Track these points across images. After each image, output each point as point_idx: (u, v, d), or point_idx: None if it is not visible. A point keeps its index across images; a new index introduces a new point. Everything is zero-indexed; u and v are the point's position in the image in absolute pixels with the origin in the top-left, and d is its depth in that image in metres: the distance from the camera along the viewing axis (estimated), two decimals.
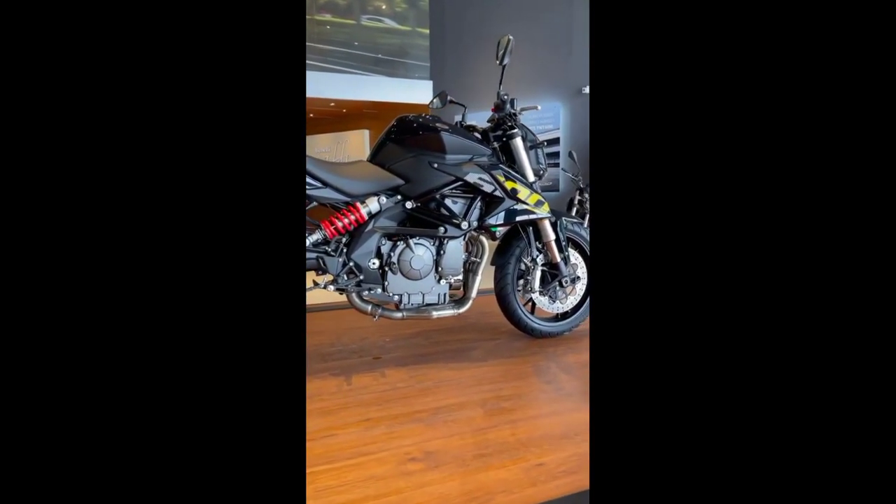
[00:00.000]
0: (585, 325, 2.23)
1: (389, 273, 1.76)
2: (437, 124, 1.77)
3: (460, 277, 1.86)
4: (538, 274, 2.02)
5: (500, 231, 1.83)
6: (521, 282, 2.06)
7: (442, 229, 1.76)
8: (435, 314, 1.83)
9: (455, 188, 1.77)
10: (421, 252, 1.76)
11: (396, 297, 1.79)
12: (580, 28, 5.15)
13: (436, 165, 1.73)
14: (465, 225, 1.77)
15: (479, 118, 2.06)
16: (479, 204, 1.80)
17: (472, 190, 1.80)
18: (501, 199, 1.80)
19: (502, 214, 1.81)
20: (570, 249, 2.06)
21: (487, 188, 1.78)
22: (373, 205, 1.73)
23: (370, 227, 1.72)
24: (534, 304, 2.14)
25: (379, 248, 1.76)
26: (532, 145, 1.94)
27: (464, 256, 1.84)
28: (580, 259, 2.12)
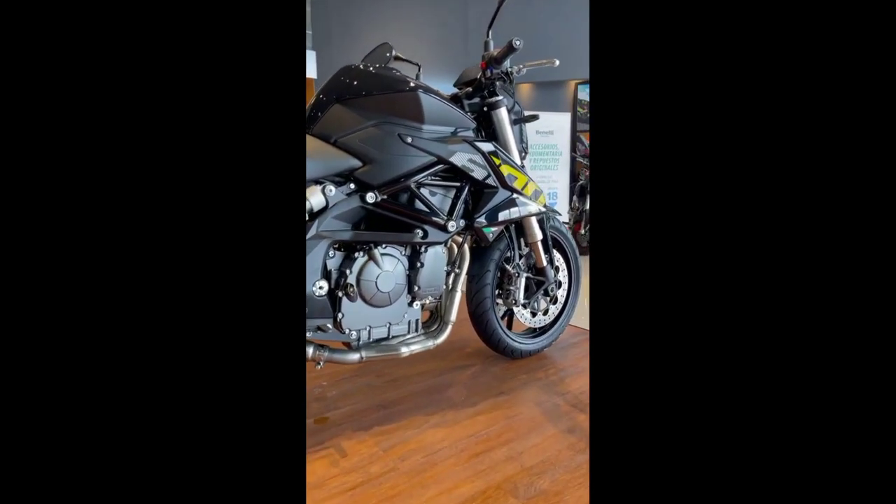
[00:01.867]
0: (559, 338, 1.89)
1: (344, 300, 1.18)
2: (409, 79, 1.22)
3: (436, 298, 1.35)
4: (522, 283, 1.61)
5: (493, 233, 1.36)
6: (499, 292, 1.63)
7: (419, 232, 1.23)
8: (405, 351, 1.30)
9: (434, 173, 1.25)
10: (390, 266, 1.22)
11: (354, 335, 1.22)
12: (476, 6, 4.80)
13: (409, 140, 1.18)
14: (451, 225, 1.26)
15: None
16: (465, 195, 1.31)
17: (456, 176, 1.29)
18: (494, 190, 1.33)
19: (497, 210, 1.34)
20: (553, 250, 1.69)
21: (479, 174, 1.29)
22: (315, 198, 1.13)
23: (313, 231, 1.12)
24: (510, 318, 1.73)
25: (326, 264, 1.17)
26: (517, 119, 1.50)
27: (447, 268, 1.34)
28: (562, 261, 1.76)
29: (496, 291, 1.60)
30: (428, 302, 1.34)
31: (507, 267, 1.59)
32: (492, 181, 1.31)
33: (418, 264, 1.26)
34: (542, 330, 1.77)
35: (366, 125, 1.17)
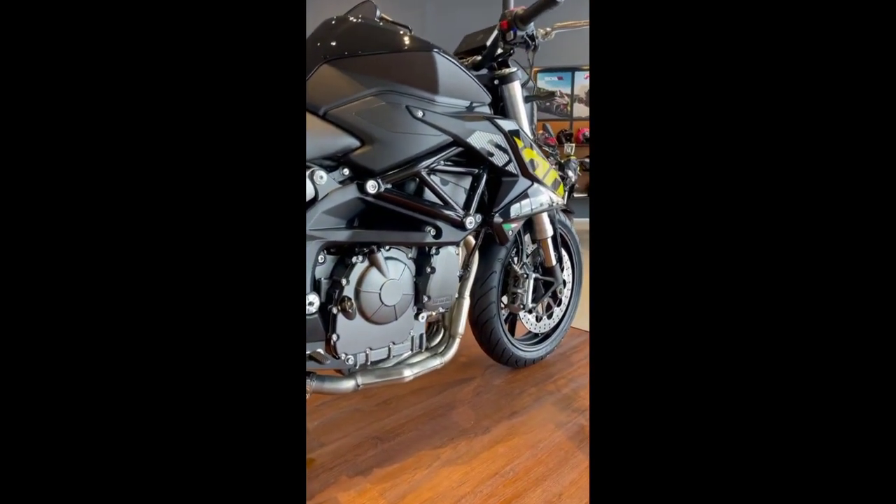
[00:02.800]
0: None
1: (340, 318, 0.93)
2: (416, 37, 0.97)
3: (446, 309, 1.13)
4: (531, 284, 1.41)
5: (514, 230, 1.15)
6: (503, 296, 1.43)
7: (431, 230, 1.00)
8: (409, 375, 1.07)
9: (447, 157, 1.01)
10: (395, 273, 0.97)
11: (350, 360, 0.97)
12: None
13: (420, 114, 0.94)
14: (469, 221, 1.03)
15: None
16: (483, 185, 1.08)
17: (470, 161, 1.06)
18: (514, 178, 1.12)
19: (515, 202, 1.13)
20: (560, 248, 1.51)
21: (499, 159, 1.07)
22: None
23: None
24: (512, 323, 1.54)
25: (316, 273, 0.91)
26: (529, 95, 1.29)
27: (460, 272, 1.11)
28: (566, 257, 1.59)
29: (501, 295, 1.40)
30: (435, 314, 1.12)
31: (515, 267, 1.39)
32: (512, 168, 1.10)
33: (428, 269, 1.03)
34: (545, 334, 1.60)
35: (365, 93, 0.91)
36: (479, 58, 1.20)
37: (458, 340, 1.17)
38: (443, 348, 1.16)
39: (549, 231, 1.38)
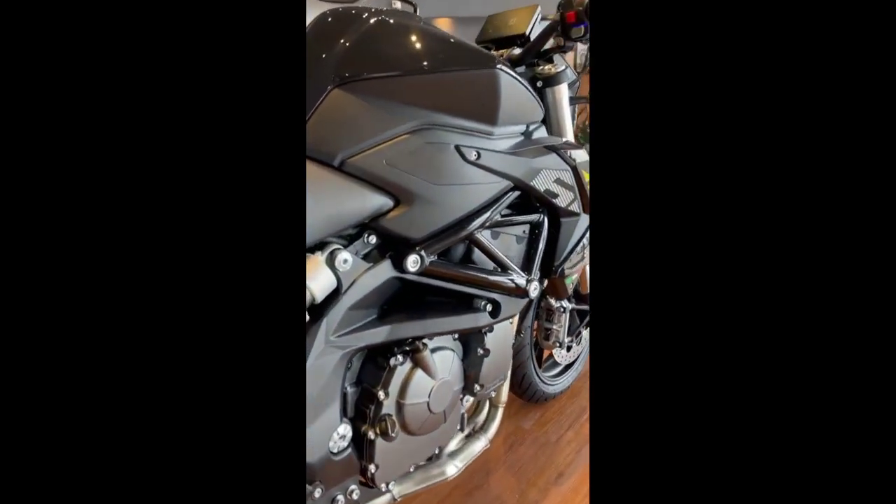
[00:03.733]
0: None
1: (379, 443, 0.68)
2: (467, 44, 0.68)
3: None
4: (567, 318, 1.21)
5: (575, 281, 0.92)
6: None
7: (487, 306, 0.75)
8: (453, 471, 0.86)
9: (507, 207, 0.75)
10: (445, 369, 0.73)
11: (393, 489, 0.74)
12: None
13: (474, 156, 0.67)
14: (534, 288, 0.79)
15: None
16: (545, 235, 0.83)
17: (528, 205, 0.80)
18: (576, 217, 0.87)
19: (580, 247, 0.89)
20: None
21: (563, 199, 0.82)
22: (319, 279, 0.59)
23: (320, 342, 0.60)
24: (539, 356, 1.35)
25: (345, 391, 0.66)
26: (572, 97, 1.02)
27: (514, 341, 0.88)
28: None
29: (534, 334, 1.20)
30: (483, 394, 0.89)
31: (550, 300, 1.17)
32: (576, 206, 0.85)
33: (480, 351, 0.79)
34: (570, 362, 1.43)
35: (397, 131, 0.62)
36: (518, 50, 0.92)
37: (501, 410, 0.96)
38: (484, 421, 0.96)
39: (588, 259, 1.17)
